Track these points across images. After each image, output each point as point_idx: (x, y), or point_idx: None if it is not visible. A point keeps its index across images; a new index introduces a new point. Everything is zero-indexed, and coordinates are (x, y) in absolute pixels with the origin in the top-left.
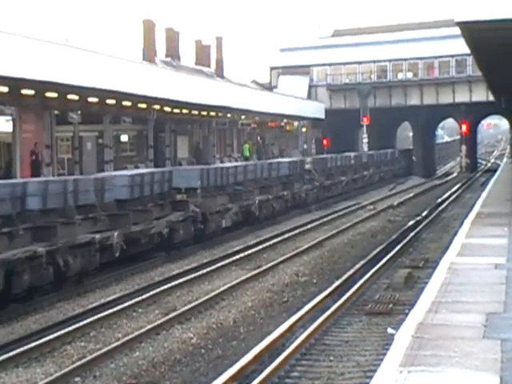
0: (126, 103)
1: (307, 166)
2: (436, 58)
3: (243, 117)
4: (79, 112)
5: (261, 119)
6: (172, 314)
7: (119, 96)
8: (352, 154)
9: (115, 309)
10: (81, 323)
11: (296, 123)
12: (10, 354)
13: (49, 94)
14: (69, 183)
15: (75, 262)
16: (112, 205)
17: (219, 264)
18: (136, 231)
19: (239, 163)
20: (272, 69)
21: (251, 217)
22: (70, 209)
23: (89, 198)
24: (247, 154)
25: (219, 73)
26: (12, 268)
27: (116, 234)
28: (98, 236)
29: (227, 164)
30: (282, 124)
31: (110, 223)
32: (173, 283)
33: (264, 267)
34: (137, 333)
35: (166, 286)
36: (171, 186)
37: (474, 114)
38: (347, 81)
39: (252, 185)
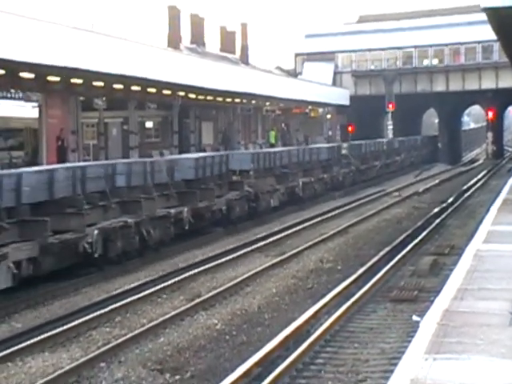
0: (151, 90)
1: (344, 152)
2: (462, 44)
3: (268, 103)
4: (104, 98)
5: (285, 106)
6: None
7: (144, 82)
8: (384, 140)
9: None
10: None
11: (321, 110)
12: (37, 338)
13: (74, 81)
14: (147, 164)
15: (155, 232)
16: (181, 184)
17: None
18: (202, 207)
19: (285, 148)
20: (297, 55)
21: (295, 197)
22: (149, 186)
23: (162, 178)
24: (273, 140)
25: (244, 59)
26: (108, 236)
27: (186, 209)
28: (172, 211)
29: (276, 149)
30: (307, 110)
31: (179, 200)
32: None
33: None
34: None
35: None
36: (228, 168)
37: (500, 100)
38: (372, 67)
39: (296, 168)
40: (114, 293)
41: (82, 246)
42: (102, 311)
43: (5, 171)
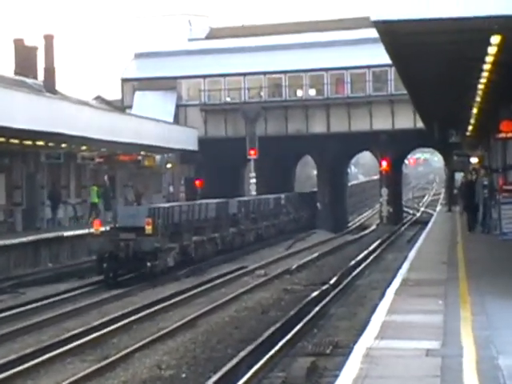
0: None
1: (232, 209)
2: (347, 69)
3: (84, 147)
4: None
5: (109, 151)
6: None
7: None
8: (271, 197)
9: None
10: None
11: (158, 157)
12: None
13: None
14: None
15: None
16: None
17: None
18: None
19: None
20: (124, 81)
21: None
22: None
23: None
24: (95, 199)
25: (49, 85)
26: None
27: None
28: None
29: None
30: (139, 158)
31: None
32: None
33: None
34: None
35: None
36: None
37: (397, 145)
38: (228, 99)
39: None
40: None
41: None
42: None
43: None
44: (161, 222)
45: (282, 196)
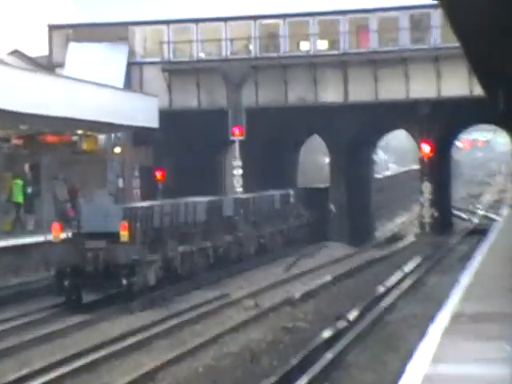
0: None
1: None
2: (373, 11)
3: None
4: None
5: (31, 129)
6: None
7: None
8: (277, 193)
9: None
10: None
11: (102, 137)
12: None
13: None
14: None
15: None
16: None
17: None
18: None
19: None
20: (53, 29)
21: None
22: None
23: None
24: (19, 197)
25: None
26: None
27: None
28: None
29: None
30: (75, 139)
31: None
32: None
33: None
34: None
35: None
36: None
37: (445, 122)
38: (202, 55)
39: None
40: None
41: None
42: None
43: None
44: (139, 227)
45: (291, 192)
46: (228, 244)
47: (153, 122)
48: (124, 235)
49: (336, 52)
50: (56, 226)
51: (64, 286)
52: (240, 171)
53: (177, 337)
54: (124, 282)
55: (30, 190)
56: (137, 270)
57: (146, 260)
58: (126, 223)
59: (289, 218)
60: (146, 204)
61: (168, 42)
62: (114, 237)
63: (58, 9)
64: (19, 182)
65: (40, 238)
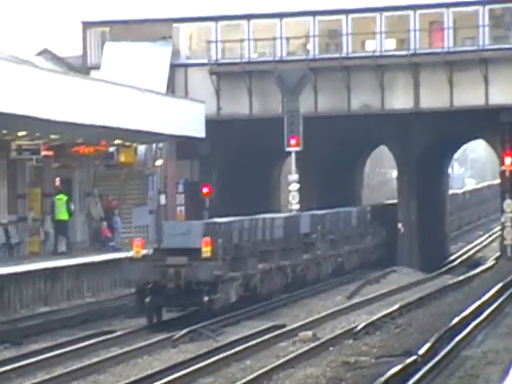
0: None
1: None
2: (448, 6)
3: (21, 133)
4: None
5: (63, 139)
6: None
7: None
8: (354, 210)
9: None
10: None
11: (142, 148)
12: None
13: None
14: None
15: None
16: None
17: None
18: None
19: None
20: (88, 26)
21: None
22: None
23: None
24: (63, 215)
25: None
26: None
27: None
28: None
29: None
30: (111, 150)
31: None
32: None
33: None
34: None
35: None
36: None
37: None
38: (255, 55)
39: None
40: None
41: None
42: None
43: None
44: (221, 243)
45: (368, 208)
46: (306, 263)
47: (199, 131)
48: (206, 251)
49: (405, 52)
50: (138, 241)
51: (145, 304)
52: (297, 186)
53: (223, 373)
54: (205, 299)
55: (73, 206)
56: (219, 287)
57: (227, 277)
58: (208, 239)
59: (366, 237)
60: (225, 220)
61: (216, 41)
62: (195, 253)
63: (94, 4)
64: (63, 196)
65: (118, 255)
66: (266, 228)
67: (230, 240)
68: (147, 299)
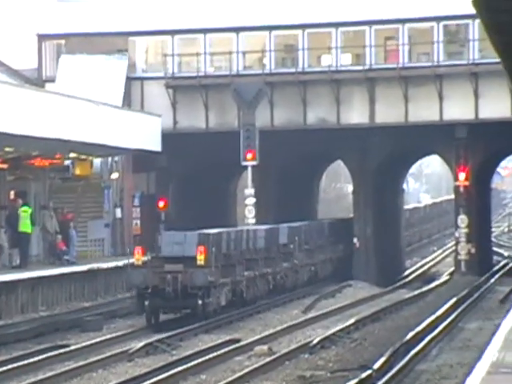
0: None
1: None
2: (403, 21)
3: None
4: None
5: (18, 152)
6: None
7: None
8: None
9: None
10: None
11: (98, 161)
12: None
13: None
14: None
15: None
16: None
17: None
18: None
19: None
20: (43, 39)
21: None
22: None
23: None
24: (27, 227)
25: None
26: None
27: None
28: None
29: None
30: (67, 163)
31: None
32: None
33: None
34: None
35: None
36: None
37: (484, 146)
38: (211, 69)
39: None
40: None
41: None
42: None
43: None
44: (213, 252)
45: (325, 222)
46: (285, 271)
47: (155, 144)
48: (200, 259)
49: (361, 67)
50: (138, 249)
51: (144, 306)
52: (253, 200)
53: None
54: (200, 302)
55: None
56: (212, 291)
57: (219, 282)
58: (202, 248)
59: (338, 246)
60: (215, 230)
61: (172, 55)
62: (190, 260)
63: (49, 16)
64: (28, 209)
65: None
66: (249, 238)
67: (220, 249)
68: (147, 302)
